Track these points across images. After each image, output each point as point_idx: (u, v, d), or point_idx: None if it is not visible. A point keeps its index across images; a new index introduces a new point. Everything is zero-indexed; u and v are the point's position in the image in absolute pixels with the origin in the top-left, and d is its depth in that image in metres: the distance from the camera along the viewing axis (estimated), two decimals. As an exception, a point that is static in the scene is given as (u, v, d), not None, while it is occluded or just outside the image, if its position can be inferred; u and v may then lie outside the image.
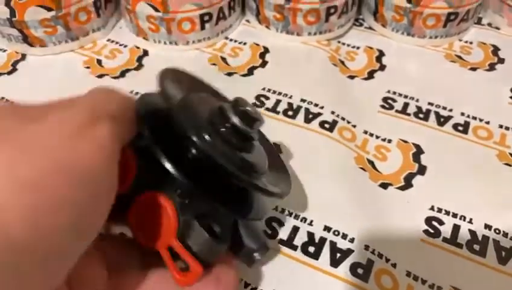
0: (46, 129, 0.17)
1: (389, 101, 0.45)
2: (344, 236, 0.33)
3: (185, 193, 0.22)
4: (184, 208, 0.22)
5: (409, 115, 0.43)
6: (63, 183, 0.16)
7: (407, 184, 0.37)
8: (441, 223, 0.35)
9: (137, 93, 0.45)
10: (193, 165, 0.22)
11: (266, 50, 0.50)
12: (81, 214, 0.16)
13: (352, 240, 0.33)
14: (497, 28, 0.54)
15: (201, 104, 0.25)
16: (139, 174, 0.22)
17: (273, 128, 0.41)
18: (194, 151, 0.22)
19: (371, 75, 0.48)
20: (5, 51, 0.50)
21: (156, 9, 0.46)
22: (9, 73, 0.48)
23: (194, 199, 0.23)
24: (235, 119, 0.24)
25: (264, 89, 0.46)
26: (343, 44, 0.52)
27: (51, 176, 0.15)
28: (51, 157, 0.16)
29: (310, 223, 0.34)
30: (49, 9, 0.46)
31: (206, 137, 0.23)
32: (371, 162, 0.39)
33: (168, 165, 0.21)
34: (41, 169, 0.15)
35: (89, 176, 0.17)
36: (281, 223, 0.34)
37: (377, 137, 0.41)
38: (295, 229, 0.34)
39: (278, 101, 0.44)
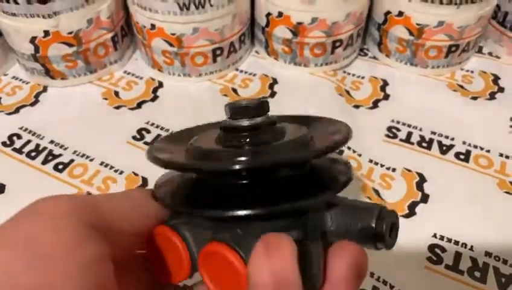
0: None
1: (393, 130, 0.47)
2: (350, 263, 0.35)
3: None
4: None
5: (412, 144, 0.45)
6: None
7: (411, 212, 0.39)
8: (444, 250, 0.36)
9: (153, 124, 0.47)
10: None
11: (275, 81, 0.53)
12: None
13: (358, 268, 0.35)
14: (498, 57, 0.56)
15: (208, 141, 0.23)
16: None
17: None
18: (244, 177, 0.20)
19: (375, 105, 0.50)
20: (28, 83, 0.53)
21: (171, 45, 0.49)
22: (32, 104, 0.50)
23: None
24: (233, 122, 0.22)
25: (273, 119, 0.48)
26: (349, 74, 0.54)
27: None
28: None
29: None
30: (70, 46, 0.49)
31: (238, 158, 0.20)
32: (376, 191, 0.41)
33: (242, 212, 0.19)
34: None
35: None
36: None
37: (382, 166, 0.43)
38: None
39: (287, 131, 0.46)
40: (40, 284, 0.15)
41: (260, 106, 0.22)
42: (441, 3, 0.47)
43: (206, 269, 0.20)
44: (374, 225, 0.20)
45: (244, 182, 0.20)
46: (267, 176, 0.20)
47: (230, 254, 0.18)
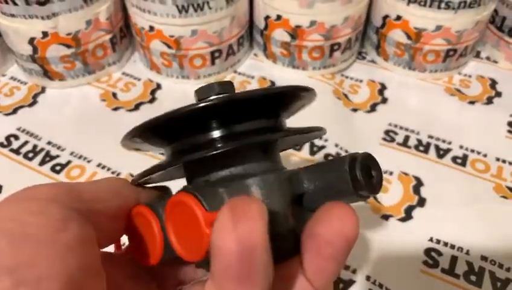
0: None
1: (391, 133, 0.47)
2: (346, 267, 0.35)
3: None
4: None
5: (409, 147, 0.45)
6: None
7: (408, 216, 0.39)
8: (440, 254, 0.36)
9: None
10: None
11: (273, 84, 0.53)
12: None
13: (354, 271, 0.35)
14: (495, 62, 0.56)
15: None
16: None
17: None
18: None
19: (373, 108, 0.50)
20: (26, 83, 0.53)
21: (169, 47, 0.49)
22: (30, 105, 0.50)
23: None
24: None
25: (271, 121, 0.48)
26: (347, 77, 0.54)
27: None
28: None
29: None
30: (69, 47, 0.49)
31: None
32: (373, 194, 0.41)
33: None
34: None
35: None
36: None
37: (379, 169, 0.43)
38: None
39: (284, 134, 0.46)
40: (24, 264, 0.15)
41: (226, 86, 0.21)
42: (439, 7, 0.47)
43: (171, 221, 0.19)
44: (347, 168, 0.19)
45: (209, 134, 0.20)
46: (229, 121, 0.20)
47: (194, 204, 0.18)
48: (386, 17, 0.51)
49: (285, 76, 0.54)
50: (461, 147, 0.45)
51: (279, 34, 0.51)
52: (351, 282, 0.34)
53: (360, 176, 0.18)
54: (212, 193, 0.19)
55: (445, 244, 0.37)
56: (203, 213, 0.18)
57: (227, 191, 0.19)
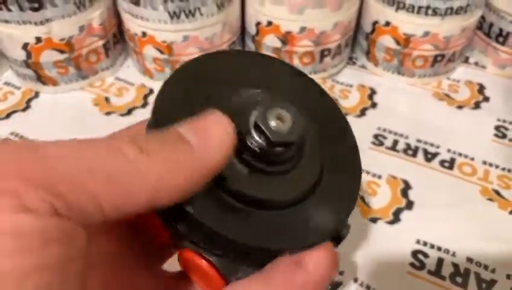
0: None
1: (380, 138, 0.48)
2: (334, 269, 0.36)
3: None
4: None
5: (398, 151, 0.46)
6: None
7: (396, 218, 0.40)
8: (426, 256, 0.37)
9: (143, 130, 0.48)
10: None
11: (264, 88, 0.53)
12: None
13: (341, 273, 0.36)
14: (484, 67, 0.57)
15: None
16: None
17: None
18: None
19: (363, 113, 0.51)
20: (19, 88, 0.54)
21: (162, 52, 0.50)
22: (23, 110, 0.51)
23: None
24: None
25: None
26: (337, 82, 0.55)
27: None
28: None
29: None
30: (62, 52, 0.49)
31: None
32: (362, 198, 0.42)
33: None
34: None
35: None
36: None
37: (368, 173, 0.44)
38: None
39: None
40: None
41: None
42: (426, 14, 0.48)
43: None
44: None
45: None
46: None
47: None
48: (375, 23, 0.52)
49: (276, 81, 0.54)
50: (449, 150, 0.46)
51: (270, 40, 0.51)
52: (338, 284, 0.35)
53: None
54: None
55: (432, 246, 0.38)
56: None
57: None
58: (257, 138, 0.18)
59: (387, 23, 0.51)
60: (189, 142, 0.16)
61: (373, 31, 0.53)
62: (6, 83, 0.54)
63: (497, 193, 0.42)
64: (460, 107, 0.51)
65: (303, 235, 0.19)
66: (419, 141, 0.47)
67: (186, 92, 0.20)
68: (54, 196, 0.13)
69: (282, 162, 0.20)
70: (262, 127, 0.18)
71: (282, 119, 0.18)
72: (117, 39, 0.55)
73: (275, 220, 0.19)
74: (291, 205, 0.20)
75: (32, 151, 0.14)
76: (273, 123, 0.18)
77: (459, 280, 0.35)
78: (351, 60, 0.58)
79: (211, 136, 0.16)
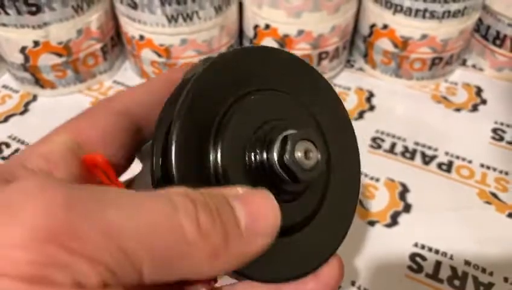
0: None
1: (378, 141, 0.48)
2: (332, 272, 0.36)
3: None
4: None
5: (396, 154, 0.46)
6: None
7: (393, 222, 0.40)
8: (424, 259, 0.37)
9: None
10: None
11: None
12: None
13: (339, 276, 0.35)
14: (481, 70, 0.57)
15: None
16: None
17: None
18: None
19: (360, 116, 0.51)
20: (17, 92, 0.54)
21: (160, 55, 0.50)
22: (21, 113, 0.51)
23: None
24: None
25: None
26: (335, 85, 0.55)
27: None
28: None
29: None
30: (60, 56, 0.49)
31: None
32: (360, 201, 0.42)
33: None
34: None
35: None
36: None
37: (366, 176, 0.44)
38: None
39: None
40: None
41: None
42: (424, 17, 0.48)
43: None
44: None
45: None
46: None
47: None
48: (373, 26, 0.52)
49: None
50: (447, 153, 0.46)
51: (268, 43, 0.51)
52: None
53: None
54: None
55: (430, 249, 0.38)
56: None
57: None
58: (281, 171, 0.18)
59: (385, 26, 0.51)
60: (240, 222, 0.16)
61: (371, 34, 0.53)
62: (4, 87, 0.54)
63: (495, 195, 0.42)
64: (458, 109, 0.51)
65: (307, 262, 0.20)
66: (417, 143, 0.47)
67: (219, 87, 0.19)
68: (107, 271, 0.13)
69: (290, 192, 0.20)
70: (291, 168, 0.18)
71: (309, 156, 0.18)
72: (115, 42, 0.55)
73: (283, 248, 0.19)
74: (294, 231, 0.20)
75: (93, 218, 0.14)
76: (300, 159, 0.18)
77: (456, 283, 0.35)
78: (349, 63, 0.58)
79: (259, 219, 0.16)
